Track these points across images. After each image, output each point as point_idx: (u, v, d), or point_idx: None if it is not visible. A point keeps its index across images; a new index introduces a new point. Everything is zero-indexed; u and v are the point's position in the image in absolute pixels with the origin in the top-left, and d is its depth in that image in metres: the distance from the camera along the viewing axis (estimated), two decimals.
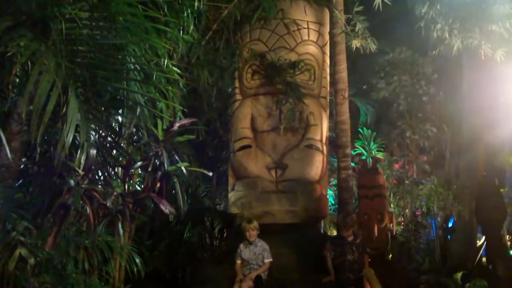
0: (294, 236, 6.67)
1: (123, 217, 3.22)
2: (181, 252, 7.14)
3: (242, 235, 6.14)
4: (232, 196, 7.20)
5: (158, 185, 3.41)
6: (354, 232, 6.19)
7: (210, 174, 4.28)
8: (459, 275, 7.02)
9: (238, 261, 6.01)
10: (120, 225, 3.19)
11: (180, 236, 7.82)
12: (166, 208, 3.18)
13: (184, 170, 3.69)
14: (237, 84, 7.71)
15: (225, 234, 8.45)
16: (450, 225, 10.05)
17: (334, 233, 9.84)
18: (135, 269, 4.28)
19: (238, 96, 7.67)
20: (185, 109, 5.04)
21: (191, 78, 6.72)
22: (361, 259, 5.92)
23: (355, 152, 12.64)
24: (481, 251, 8.95)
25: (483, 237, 9.44)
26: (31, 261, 2.76)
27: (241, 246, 6.02)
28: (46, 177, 3.04)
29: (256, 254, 5.90)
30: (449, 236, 9.62)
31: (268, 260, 5.91)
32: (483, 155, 9.24)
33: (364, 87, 10.36)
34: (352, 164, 10.07)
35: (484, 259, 8.60)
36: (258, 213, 6.69)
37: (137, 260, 3.61)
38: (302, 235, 6.75)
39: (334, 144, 9.34)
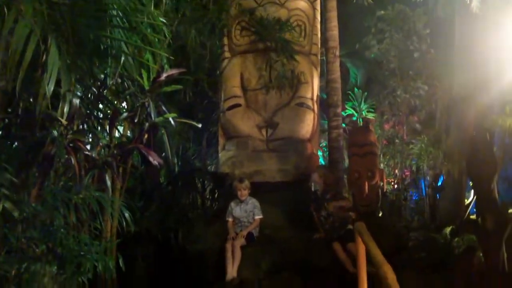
0: (285, 194, 6.67)
1: (111, 169, 3.14)
2: (173, 213, 7.13)
3: (233, 194, 6.14)
4: (222, 155, 7.13)
5: (146, 136, 3.33)
6: (328, 185, 6.15)
7: (199, 125, 4.18)
8: (447, 230, 7.12)
9: (230, 219, 6.04)
10: (107, 177, 3.12)
11: (171, 197, 7.80)
12: (154, 159, 3.10)
13: (172, 121, 3.59)
14: (226, 42, 7.52)
15: (216, 195, 8.47)
16: (439, 184, 10.15)
17: None
18: (126, 227, 4.27)
19: (227, 54, 7.49)
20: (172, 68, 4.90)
21: (178, 36, 6.52)
22: (338, 213, 5.93)
23: (346, 114, 12.61)
24: (469, 209, 9.08)
25: (471, 196, 9.58)
26: (16, 214, 2.69)
27: (232, 204, 6.06)
28: (29, 129, 2.93)
29: (247, 211, 5.96)
30: (438, 195, 9.72)
31: (258, 216, 5.96)
32: (473, 114, 9.23)
33: (357, 46, 10.19)
34: (343, 125, 10.04)
35: (472, 217, 8.74)
36: (249, 172, 6.66)
37: (126, 214, 3.54)
38: (293, 193, 6.75)
39: (324, 105, 9.27)
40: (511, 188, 10.96)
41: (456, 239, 6.69)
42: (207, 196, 8.75)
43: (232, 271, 5.35)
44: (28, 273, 3.11)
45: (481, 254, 6.35)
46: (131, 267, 6.28)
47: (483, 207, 5.42)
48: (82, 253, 3.32)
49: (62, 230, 3.26)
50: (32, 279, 3.10)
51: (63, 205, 3.24)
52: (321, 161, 11.82)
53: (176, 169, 8.49)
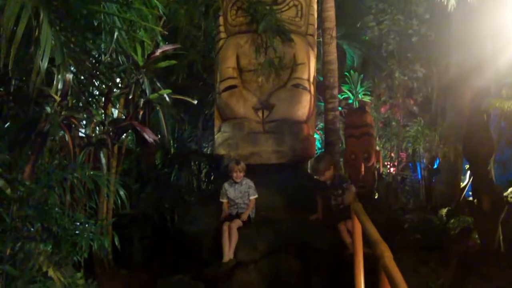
0: (281, 176, 6.64)
1: (105, 147, 3.09)
2: (169, 195, 7.11)
3: (228, 176, 6.10)
4: (218, 137, 7.08)
5: (141, 113, 3.27)
6: (334, 175, 5.83)
7: (195, 102, 4.11)
8: (444, 211, 7.16)
9: (224, 200, 6.02)
10: (102, 155, 3.08)
11: (167, 179, 7.78)
12: (149, 136, 3.05)
13: (167, 98, 3.53)
14: (221, 22, 7.40)
15: (212, 177, 8.46)
16: (435, 166, 10.18)
17: None
18: (122, 208, 4.23)
19: (223, 35, 7.37)
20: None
21: (172, 17, 6.42)
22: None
23: (342, 97, 12.56)
24: (464, 192, 9.13)
25: (467, 179, 9.62)
26: (8, 191, 2.65)
27: (226, 185, 6.01)
28: (22, 107, 2.87)
29: (242, 192, 5.93)
30: (434, 178, 9.77)
31: (254, 196, 5.95)
32: (470, 97, 9.23)
33: (358, 24, 10.10)
34: (339, 109, 10.01)
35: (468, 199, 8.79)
36: (245, 153, 6.62)
37: (122, 193, 3.51)
38: (289, 174, 6.73)
39: (321, 87, 9.22)
40: (506, 172, 11.00)
41: (452, 220, 6.74)
42: (203, 179, 8.74)
43: (229, 253, 5.34)
44: (23, 252, 3.08)
45: (476, 236, 6.40)
46: (127, 249, 6.33)
47: (479, 188, 5.42)
48: (77, 232, 3.29)
49: (56, 209, 3.21)
50: (27, 258, 3.06)
51: (58, 184, 3.20)
52: (317, 144, 11.83)
53: (172, 151, 8.46)
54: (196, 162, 8.62)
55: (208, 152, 9.51)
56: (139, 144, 8.01)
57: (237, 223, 5.60)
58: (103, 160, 3.08)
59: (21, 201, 3.05)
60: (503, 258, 5.37)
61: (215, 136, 7.26)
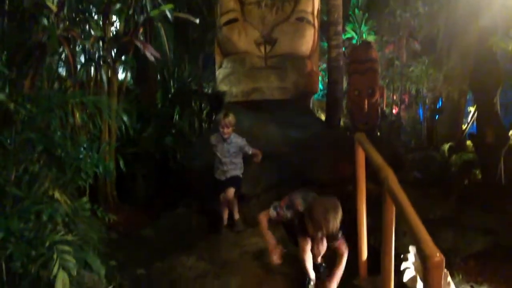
0: (284, 111, 6.58)
1: (106, 63, 3.01)
2: (170, 134, 7.09)
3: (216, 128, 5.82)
4: (220, 73, 6.95)
5: (141, 31, 3.16)
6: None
7: (197, 21, 3.95)
8: (446, 147, 7.16)
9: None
10: (103, 73, 3.00)
11: (169, 119, 7.74)
12: (151, 53, 2.96)
13: (169, 14, 3.38)
14: None
15: (213, 117, 8.40)
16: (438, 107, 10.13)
17: (322, 117, 9.82)
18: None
19: None
20: None
21: None
22: None
23: (346, 37, 12.28)
24: (466, 132, 9.13)
25: (469, 119, 9.60)
26: (11, 106, 2.60)
27: (213, 140, 5.25)
28: (18, 22, 2.76)
29: (230, 152, 5.19)
30: (437, 116, 9.73)
31: (251, 151, 5.24)
32: (476, 36, 9.02)
33: None
34: (343, 49, 9.80)
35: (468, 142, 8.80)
36: (247, 89, 6.53)
37: (125, 118, 3.46)
38: (291, 111, 6.67)
39: (324, 24, 8.97)
40: (509, 115, 10.97)
41: (454, 156, 6.75)
42: (205, 119, 8.70)
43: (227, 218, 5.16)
44: (28, 174, 3.08)
45: (477, 171, 6.44)
46: (131, 186, 6.39)
47: (484, 120, 5.36)
48: (81, 156, 3.27)
49: (59, 133, 3.18)
50: (33, 180, 3.06)
51: (59, 108, 3.15)
52: (320, 86, 11.68)
53: (172, 91, 8.34)
54: (197, 102, 8.54)
55: (209, 92, 9.38)
56: (139, 83, 7.93)
57: (231, 191, 5.05)
58: (104, 77, 3.00)
59: (22, 124, 3.01)
60: (504, 190, 5.41)
61: (217, 73, 7.14)
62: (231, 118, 5.06)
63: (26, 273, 2.72)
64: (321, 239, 3.65)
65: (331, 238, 3.59)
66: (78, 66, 3.11)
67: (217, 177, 5.22)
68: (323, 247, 3.80)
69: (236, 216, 5.10)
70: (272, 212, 3.65)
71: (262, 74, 6.57)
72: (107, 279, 3.37)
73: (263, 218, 3.70)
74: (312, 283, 3.76)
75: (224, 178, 5.17)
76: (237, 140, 5.18)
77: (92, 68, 3.72)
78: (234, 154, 5.18)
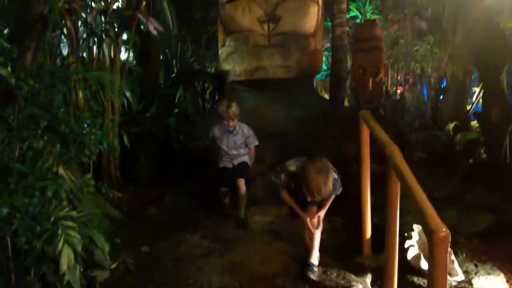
0: (287, 90, 6.53)
1: (109, 37, 2.96)
2: (173, 115, 7.06)
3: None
4: (222, 52, 6.87)
5: (144, 4, 3.11)
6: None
7: None
8: (451, 126, 7.12)
9: (208, 143, 5.11)
10: (105, 47, 2.96)
11: (171, 99, 7.70)
12: (154, 26, 2.91)
13: None
14: None
15: (216, 97, 8.36)
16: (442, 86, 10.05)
17: (326, 97, 9.75)
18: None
19: None
20: None
21: None
22: None
23: (349, 15, 12.11)
24: (470, 111, 9.07)
25: (474, 99, 9.52)
26: (12, 81, 2.57)
27: (216, 131, 4.89)
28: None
29: (237, 143, 4.88)
30: (441, 96, 9.66)
31: (254, 144, 5.02)
32: (483, 14, 8.89)
33: None
34: (347, 29, 9.67)
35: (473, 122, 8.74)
36: (250, 68, 6.45)
37: (128, 94, 3.43)
38: (296, 89, 6.62)
39: (328, 2, 8.84)
40: None
41: (458, 135, 6.71)
42: (208, 99, 8.65)
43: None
44: (32, 150, 3.06)
45: (482, 150, 6.41)
46: (134, 167, 6.39)
47: (489, 98, 5.31)
48: (84, 132, 3.25)
49: (62, 109, 3.15)
50: (37, 156, 3.05)
51: (62, 83, 3.11)
52: (324, 66, 11.58)
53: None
54: (201, 82, 8.48)
55: (212, 72, 9.30)
56: (142, 63, 7.87)
57: (242, 183, 4.75)
58: (106, 51, 2.97)
59: (26, 100, 2.99)
60: (508, 169, 5.39)
61: (219, 51, 7.05)
62: (234, 109, 4.65)
63: (31, 248, 2.72)
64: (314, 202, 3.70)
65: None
66: (81, 41, 3.06)
67: (221, 165, 4.92)
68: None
69: (242, 214, 4.76)
70: (276, 180, 3.74)
71: (265, 52, 6.47)
72: (111, 257, 3.37)
73: (282, 193, 3.74)
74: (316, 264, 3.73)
75: (232, 165, 4.90)
76: (244, 129, 4.86)
77: (95, 47, 3.71)
78: (241, 145, 4.88)
